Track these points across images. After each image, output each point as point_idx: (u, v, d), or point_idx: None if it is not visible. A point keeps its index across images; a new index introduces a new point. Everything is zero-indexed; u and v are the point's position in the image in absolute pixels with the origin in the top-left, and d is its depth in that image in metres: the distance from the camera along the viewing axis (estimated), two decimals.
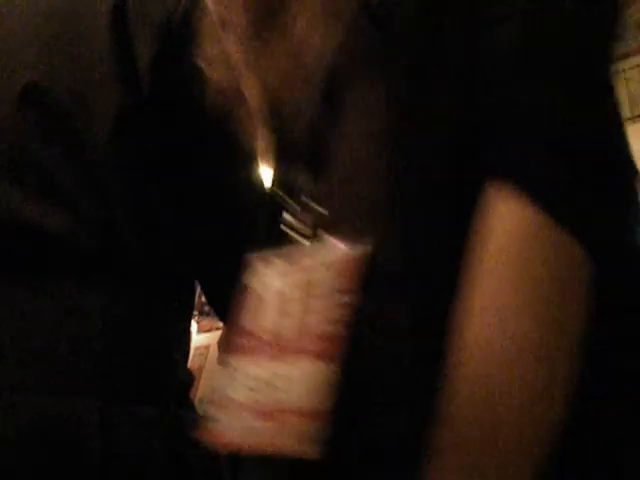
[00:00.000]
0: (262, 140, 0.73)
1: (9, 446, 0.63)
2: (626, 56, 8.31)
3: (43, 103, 0.75)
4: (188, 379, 0.82)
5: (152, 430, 0.70)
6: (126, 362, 0.72)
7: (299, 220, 0.60)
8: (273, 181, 0.70)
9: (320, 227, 0.57)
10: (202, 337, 1.15)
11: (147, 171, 0.77)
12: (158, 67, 0.77)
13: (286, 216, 0.62)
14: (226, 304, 0.88)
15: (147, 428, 0.70)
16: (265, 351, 0.57)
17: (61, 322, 0.70)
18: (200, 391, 1.10)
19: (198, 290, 0.89)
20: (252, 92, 0.63)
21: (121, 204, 0.75)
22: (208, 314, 1.35)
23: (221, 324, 1.02)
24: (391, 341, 0.51)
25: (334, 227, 0.56)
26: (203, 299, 0.92)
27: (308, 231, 0.59)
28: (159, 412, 0.71)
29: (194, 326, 1.15)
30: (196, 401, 1.10)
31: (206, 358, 1.12)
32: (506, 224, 0.49)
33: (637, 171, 0.58)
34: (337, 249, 0.56)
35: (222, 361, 1.05)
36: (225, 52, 0.65)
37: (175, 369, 0.78)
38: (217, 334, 1.08)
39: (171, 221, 0.79)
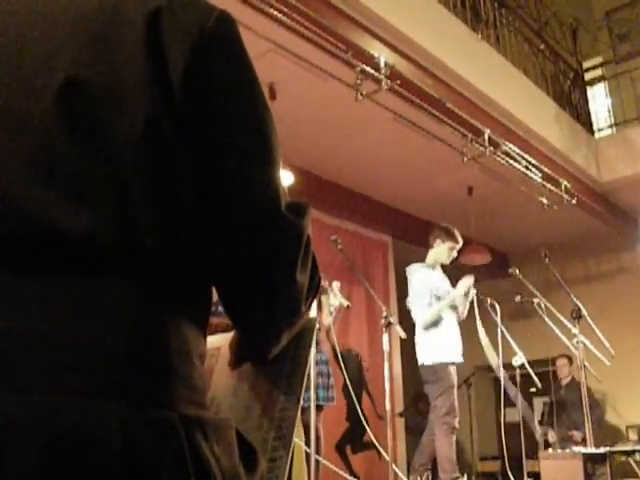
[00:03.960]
0: None
1: (27, 448, 0.64)
2: (632, 56, 8.30)
3: (79, 100, 0.76)
4: (205, 382, 0.82)
5: (172, 433, 0.70)
6: (146, 365, 0.72)
7: None
8: None
9: None
10: (213, 338, 1.14)
11: (172, 175, 0.78)
12: (189, 78, 0.78)
13: None
14: (238, 305, 0.90)
15: (167, 431, 0.70)
16: None
17: (81, 323, 0.71)
18: (210, 392, 1.10)
19: None
20: None
21: (145, 207, 0.76)
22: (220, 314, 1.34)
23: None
24: None
25: None
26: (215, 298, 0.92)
27: None
28: (179, 415, 0.72)
29: None
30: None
31: (217, 360, 1.12)
32: None
33: None
34: None
35: (232, 363, 1.06)
36: None
37: (193, 372, 0.78)
38: (228, 336, 1.07)
39: (192, 222, 0.80)
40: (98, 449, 0.65)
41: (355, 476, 5.49)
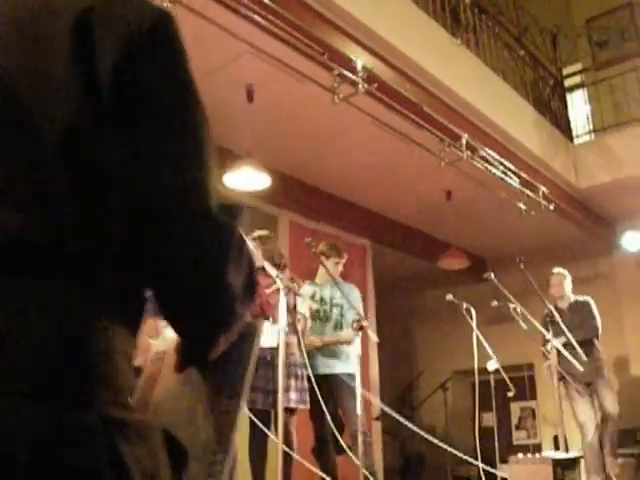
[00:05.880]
0: None
1: None
2: (611, 64, 8.34)
3: (3, 98, 0.76)
4: (131, 384, 0.81)
5: (90, 435, 0.69)
6: (66, 365, 0.71)
7: None
8: None
9: None
10: (159, 342, 1.13)
11: (97, 175, 0.77)
12: (118, 76, 0.77)
13: None
14: (170, 308, 0.89)
15: (85, 432, 0.69)
16: None
17: (2, 322, 0.70)
18: (155, 396, 1.08)
19: None
20: None
21: (69, 207, 0.75)
22: None
23: None
24: None
25: None
26: None
27: None
28: (99, 417, 0.71)
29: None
30: (150, 406, 1.10)
31: (163, 364, 1.10)
32: None
33: None
34: None
35: (177, 367, 1.05)
36: None
37: (117, 374, 0.77)
38: (174, 339, 1.06)
39: (118, 224, 0.79)
40: (7, 449, 0.64)
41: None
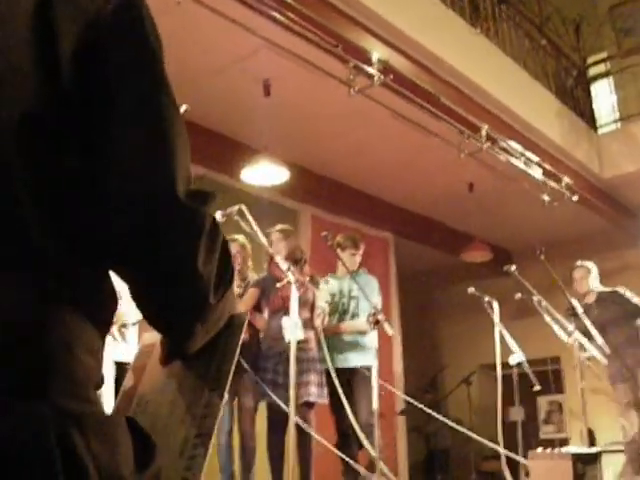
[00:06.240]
0: None
1: None
2: (636, 51, 8.17)
3: None
4: (93, 377, 0.79)
5: (41, 427, 0.67)
6: (20, 355, 0.70)
7: None
8: None
9: None
10: (148, 335, 1.12)
11: (59, 164, 0.75)
12: (80, 60, 0.75)
13: None
14: (141, 300, 0.87)
15: (35, 424, 0.67)
16: None
17: None
18: (140, 389, 1.08)
19: None
20: None
21: (31, 202, 0.73)
22: None
23: None
24: None
25: None
26: None
27: None
28: (53, 409, 0.69)
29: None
30: (135, 399, 1.09)
31: (150, 356, 1.10)
32: None
33: None
34: None
35: (162, 360, 1.04)
36: None
37: (77, 366, 0.75)
38: None
39: (83, 215, 0.77)
40: None
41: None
